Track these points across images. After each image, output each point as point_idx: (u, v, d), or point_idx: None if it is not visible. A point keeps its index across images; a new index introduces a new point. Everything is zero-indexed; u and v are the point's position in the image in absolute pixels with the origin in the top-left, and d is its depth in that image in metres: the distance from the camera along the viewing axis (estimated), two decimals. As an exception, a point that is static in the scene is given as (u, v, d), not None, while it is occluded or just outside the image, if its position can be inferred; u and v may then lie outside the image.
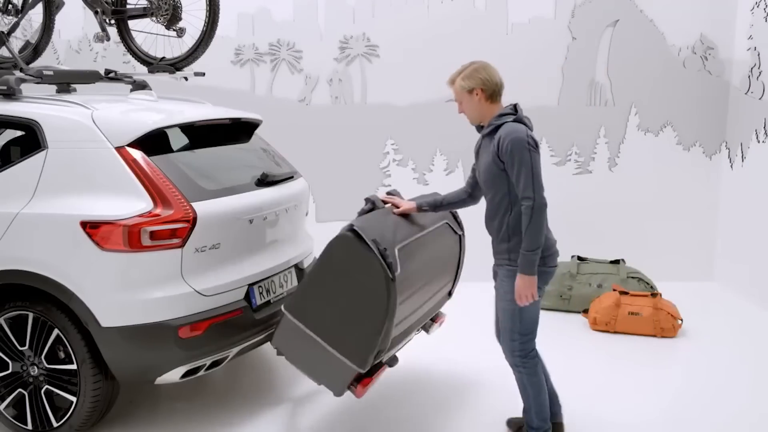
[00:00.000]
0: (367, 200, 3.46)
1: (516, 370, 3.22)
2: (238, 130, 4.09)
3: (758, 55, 5.66)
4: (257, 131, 4.24)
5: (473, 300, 4.68)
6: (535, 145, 2.98)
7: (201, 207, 3.26)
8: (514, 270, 3.07)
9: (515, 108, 3.13)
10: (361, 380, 3.08)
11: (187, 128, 3.79)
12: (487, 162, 3.08)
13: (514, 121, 3.06)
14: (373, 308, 2.94)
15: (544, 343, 4.79)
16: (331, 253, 3.00)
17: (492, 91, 3.11)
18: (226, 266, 3.42)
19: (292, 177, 4.07)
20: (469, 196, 3.42)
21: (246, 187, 3.63)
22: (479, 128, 3.21)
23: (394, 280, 2.93)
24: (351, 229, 2.97)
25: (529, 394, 3.23)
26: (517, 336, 3.14)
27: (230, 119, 3.95)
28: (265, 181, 3.74)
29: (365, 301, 2.95)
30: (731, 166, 6.07)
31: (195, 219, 3.21)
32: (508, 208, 3.08)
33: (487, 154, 3.07)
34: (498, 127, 3.06)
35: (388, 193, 3.58)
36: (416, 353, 4.13)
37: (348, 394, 3.14)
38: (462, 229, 3.89)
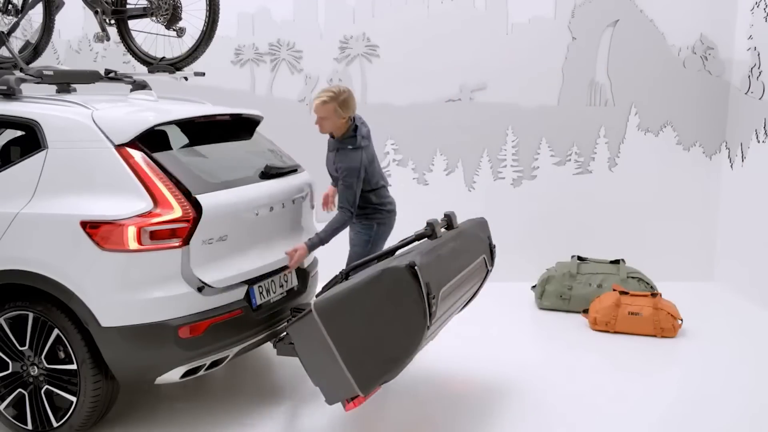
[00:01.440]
0: (428, 224, 3.46)
1: None
2: (239, 128, 4.09)
3: (758, 55, 5.66)
4: (260, 131, 4.24)
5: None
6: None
7: (206, 199, 3.26)
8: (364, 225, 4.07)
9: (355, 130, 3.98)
10: (356, 398, 3.07)
11: (187, 126, 3.78)
12: (334, 167, 4.04)
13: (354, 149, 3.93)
14: (399, 345, 2.94)
15: (544, 343, 4.81)
16: (382, 279, 2.95)
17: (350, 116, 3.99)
18: (234, 258, 3.42)
19: (296, 170, 4.08)
20: None
21: (250, 180, 3.66)
22: (332, 135, 4.05)
23: (429, 327, 2.94)
24: (411, 266, 2.92)
25: None
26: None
27: (230, 115, 3.95)
28: (269, 174, 3.76)
29: (394, 336, 2.94)
30: (731, 166, 6.07)
31: (195, 219, 3.21)
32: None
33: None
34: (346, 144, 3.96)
35: (446, 215, 3.72)
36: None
37: None
38: (493, 265, 3.99)
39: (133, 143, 3.27)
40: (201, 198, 3.25)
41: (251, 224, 3.56)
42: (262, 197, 3.62)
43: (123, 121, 3.36)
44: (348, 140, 3.95)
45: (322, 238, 3.86)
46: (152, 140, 3.36)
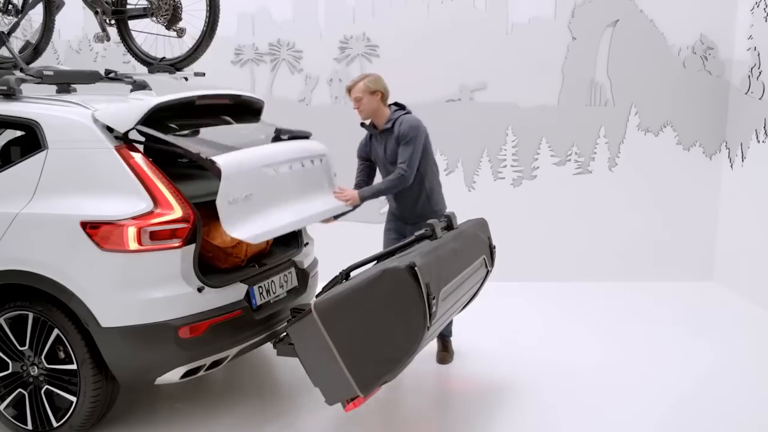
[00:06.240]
0: (428, 225, 3.48)
1: None
2: (243, 113, 4.12)
3: (758, 55, 5.66)
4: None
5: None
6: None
7: (223, 159, 3.21)
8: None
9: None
10: (355, 398, 3.07)
11: (189, 111, 3.72)
12: (393, 147, 4.01)
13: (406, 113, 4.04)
14: (398, 345, 2.95)
15: (543, 341, 4.80)
16: (382, 279, 2.95)
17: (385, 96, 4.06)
18: (264, 213, 3.38)
19: (308, 137, 4.14)
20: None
21: (263, 141, 3.81)
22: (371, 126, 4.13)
23: (429, 328, 2.95)
24: (411, 267, 2.92)
25: None
26: None
27: (230, 97, 3.96)
28: (280, 137, 3.91)
29: (394, 336, 2.95)
30: (731, 166, 6.07)
31: (195, 219, 3.21)
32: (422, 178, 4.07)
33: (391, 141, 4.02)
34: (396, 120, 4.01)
35: (446, 215, 3.74)
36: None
37: None
38: (493, 265, 4.01)
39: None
40: (218, 159, 3.18)
41: (273, 181, 3.50)
42: (278, 155, 3.63)
43: (125, 111, 3.33)
44: (399, 114, 4.04)
45: (376, 191, 3.98)
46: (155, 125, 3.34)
